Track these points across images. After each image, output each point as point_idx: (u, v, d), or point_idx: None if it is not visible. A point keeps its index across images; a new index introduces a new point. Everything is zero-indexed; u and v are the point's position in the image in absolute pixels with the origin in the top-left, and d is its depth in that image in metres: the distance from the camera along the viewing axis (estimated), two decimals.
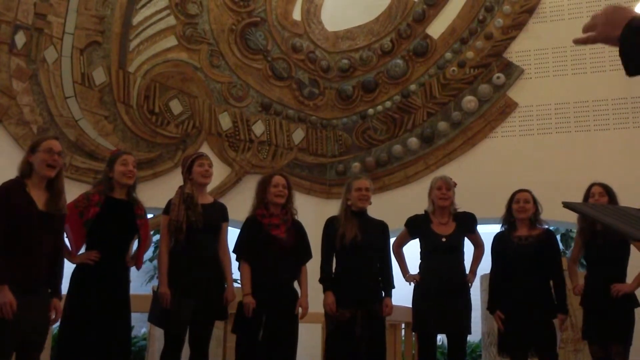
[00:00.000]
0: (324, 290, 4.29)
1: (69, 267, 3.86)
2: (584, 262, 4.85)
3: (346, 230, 4.29)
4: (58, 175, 3.47)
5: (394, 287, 4.38)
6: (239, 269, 4.22)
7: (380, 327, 4.31)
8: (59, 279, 3.50)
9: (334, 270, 4.37)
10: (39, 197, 3.39)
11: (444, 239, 4.39)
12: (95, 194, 3.86)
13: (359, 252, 4.28)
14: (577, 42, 1.49)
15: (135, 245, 4.05)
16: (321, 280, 4.33)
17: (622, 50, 1.32)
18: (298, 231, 4.31)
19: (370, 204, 4.45)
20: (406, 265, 4.59)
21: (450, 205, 4.49)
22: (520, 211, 4.42)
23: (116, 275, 3.82)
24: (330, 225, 4.40)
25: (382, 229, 4.47)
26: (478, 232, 4.60)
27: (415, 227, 4.57)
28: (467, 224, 4.53)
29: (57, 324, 3.65)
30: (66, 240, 3.81)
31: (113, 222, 3.82)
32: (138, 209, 3.95)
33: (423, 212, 4.57)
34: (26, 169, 3.42)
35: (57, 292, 3.49)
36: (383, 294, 4.34)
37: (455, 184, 4.55)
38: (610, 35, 1.35)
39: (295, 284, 4.30)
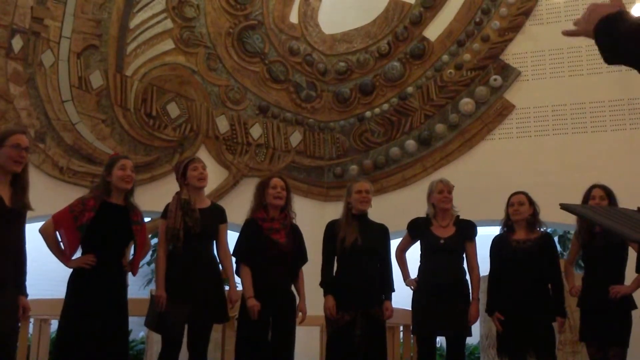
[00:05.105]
0: (324, 294, 4.29)
1: (65, 271, 3.86)
2: (581, 264, 4.85)
3: (347, 233, 4.30)
4: (23, 170, 3.36)
5: (394, 291, 4.38)
6: (236, 272, 4.21)
7: (381, 330, 4.30)
8: (23, 276, 3.41)
9: (335, 274, 4.37)
10: (4, 193, 3.28)
11: (442, 241, 4.40)
12: (90, 199, 3.84)
13: (359, 256, 4.29)
14: (565, 33, 1.66)
15: (132, 250, 4.04)
16: (321, 284, 4.33)
17: (597, 42, 1.48)
18: (296, 235, 4.31)
19: (370, 206, 4.45)
20: (407, 269, 4.60)
21: (451, 207, 4.50)
22: (515, 214, 4.43)
23: (113, 279, 3.80)
24: (331, 229, 4.41)
25: (382, 232, 4.48)
26: (474, 252, 4.51)
27: (416, 229, 4.58)
28: (467, 231, 4.52)
29: (56, 325, 3.62)
30: (61, 245, 3.80)
31: (108, 226, 3.80)
32: (134, 214, 3.92)
33: (425, 215, 4.58)
34: None
35: (23, 289, 3.40)
36: (383, 297, 4.33)
37: (453, 187, 4.55)
38: (588, 29, 1.51)
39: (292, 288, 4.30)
